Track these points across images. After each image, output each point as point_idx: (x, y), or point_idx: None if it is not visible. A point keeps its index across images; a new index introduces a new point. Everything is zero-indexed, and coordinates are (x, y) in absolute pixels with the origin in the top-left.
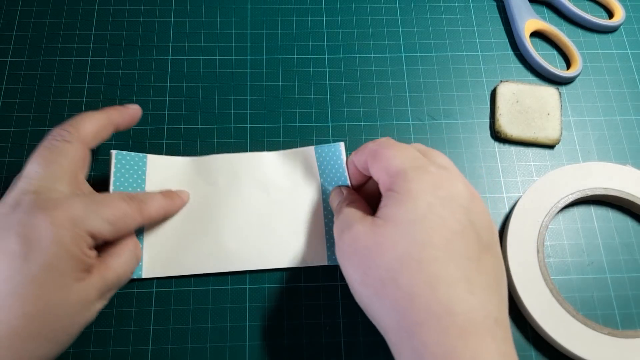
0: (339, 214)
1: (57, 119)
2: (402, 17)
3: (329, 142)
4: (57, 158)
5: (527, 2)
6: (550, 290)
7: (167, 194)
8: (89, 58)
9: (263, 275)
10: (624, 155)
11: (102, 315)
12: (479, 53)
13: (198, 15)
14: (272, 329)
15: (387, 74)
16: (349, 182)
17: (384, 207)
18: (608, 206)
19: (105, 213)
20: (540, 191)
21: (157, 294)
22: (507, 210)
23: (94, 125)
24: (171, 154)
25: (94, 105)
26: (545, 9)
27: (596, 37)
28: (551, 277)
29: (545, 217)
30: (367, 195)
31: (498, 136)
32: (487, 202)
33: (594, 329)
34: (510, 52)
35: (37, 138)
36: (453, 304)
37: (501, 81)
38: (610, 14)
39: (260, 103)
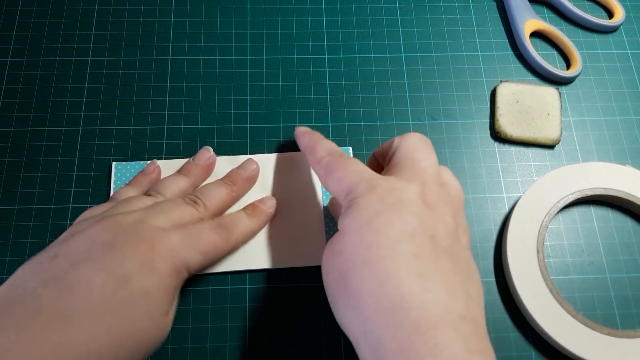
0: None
1: (57, 119)
2: (402, 17)
3: None
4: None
5: (527, 2)
6: (550, 290)
7: (253, 211)
8: (89, 58)
9: (263, 275)
10: (624, 155)
11: None
12: (479, 53)
13: (198, 15)
14: (272, 328)
15: (387, 74)
16: None
17: (339, 222)
18: (608, 206)
19: (199, 245)
20: (540, 191)
21: None
22: (507, 210)
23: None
24: (171, 154)
25: (94, 105)
26: (545, 9)
27: (596, 37)
28: (551, 277)
29: (545, 217)
30: None
31: (498, 136)
32: (487, 202)
33: (594, 329)
34: (510, 52)
35: (37, 138)
36: (404, 299)
37: (501, 81)
38: (610, 14)
39: (260, 103)
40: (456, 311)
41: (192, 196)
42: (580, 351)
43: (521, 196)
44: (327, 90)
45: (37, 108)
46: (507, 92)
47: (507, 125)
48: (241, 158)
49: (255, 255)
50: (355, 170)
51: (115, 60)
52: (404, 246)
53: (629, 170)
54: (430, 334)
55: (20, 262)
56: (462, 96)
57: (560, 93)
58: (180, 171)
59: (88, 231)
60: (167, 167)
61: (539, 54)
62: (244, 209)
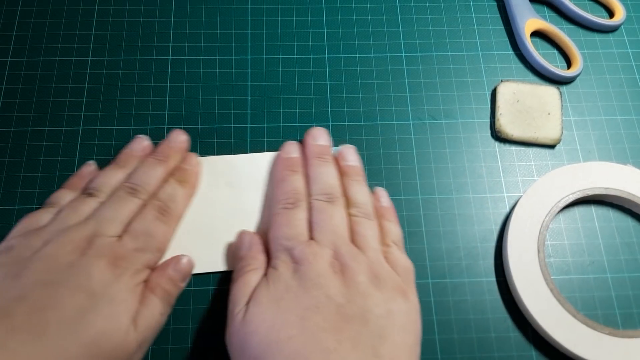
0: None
1: (57, 119)
2: (402, 17)
3: None
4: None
5: (528, 1)
6: (551, 290)
7: (182, 176)
8: (89, 58)
9: None
10: (625, 154)
11: None
12: (480, 53)
13: (198, 15)
14: None
15: (388, 73)
16: None
17: (256, 290)
18: (609, 206)
19: (153, 243)
20: (541, 191)
21: None
22: (507, 210)
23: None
24: None
25: (94, 105)
26: (545, 9)
27: (597, 37)
28: (552, 277)
29: (546, 216)
30: None
31: (498, 136)
32: (487, 201)
33: (594, 329)
34: (511, 52)
35: (37, 138)
36: None
37: (502, 81)
38: (610, 14)
39: (261, 103)
40: None
41: (131, 185)
42: (581, 351)
43: (522, 196)
44: (328, 90)
45: (37, 108)
46: (508, 92)
47: (508, 124)
48: (237, 157)
49: None
50: (284, 234)
51: (115, 60)
52: (310, 322)
53: (629, 169)
54: None
55: None
56: (463, 96)
57: (560, 92)
58: (116, 162)
59: (48, 250)
60: None
61: (539, 53)
62: (173, 176)
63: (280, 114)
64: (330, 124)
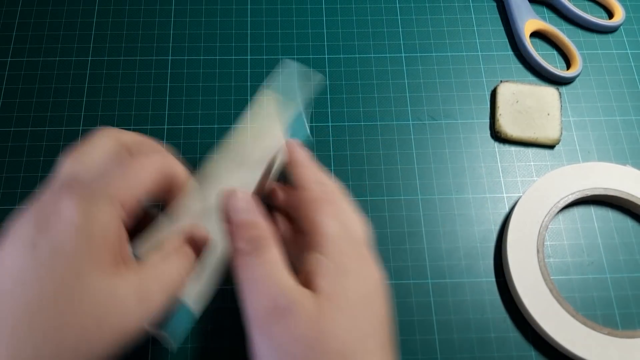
0: (257, 262)
1: (57, 119)
2: (402, 18)
3: (328, 142)
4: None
5: (527, 2)
6: (550, 290)
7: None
8: (89, 58)
9: None
10: (624, 155)
11: None
12: (479, 53)
13: (198, 15)
14: None
15: (387, 74)
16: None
17: (321, 277)
18: (608, 206)
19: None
20: (540, 191)
21: None
22: (507, 210)
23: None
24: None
25: (94, 105)
26: (545, 9)
27: (596, 37)
28: (551, 277)
29: (545, 217)
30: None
31: (498, 136)
32: (487, 202)
33: (593, 329)
34: (510, 52)
35: (37, 138)
36: None
37: (501, 81)
38: (610, 14)
39: None
40: None
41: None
42: (580, 351)
43: (521, 196)
44: (327, 90)
45: (37, 108)
46: (507, 92)
47: (507, 125)
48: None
49: None
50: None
51: (115, 60)
52: (380, 337)
53: (628, 170)
54: None
55: None
56: (462, 96)
57: (560, 93)
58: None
59: None
60: None
61: (539, 54)
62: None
63: None
64: (330, 124)
